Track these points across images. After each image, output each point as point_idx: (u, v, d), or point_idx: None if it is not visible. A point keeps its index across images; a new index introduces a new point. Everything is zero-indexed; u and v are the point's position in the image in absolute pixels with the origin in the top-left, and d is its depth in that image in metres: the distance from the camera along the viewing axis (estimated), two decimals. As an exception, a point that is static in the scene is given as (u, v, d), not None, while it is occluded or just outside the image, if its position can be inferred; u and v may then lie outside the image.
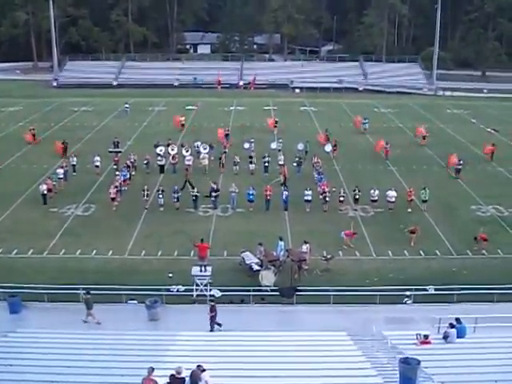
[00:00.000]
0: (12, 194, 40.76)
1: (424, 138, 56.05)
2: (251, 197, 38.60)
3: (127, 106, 70.23)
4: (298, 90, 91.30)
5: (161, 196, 38.62)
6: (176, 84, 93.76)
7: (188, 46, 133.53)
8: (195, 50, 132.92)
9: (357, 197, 38.95)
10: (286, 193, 38.86)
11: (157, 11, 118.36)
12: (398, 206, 38.61)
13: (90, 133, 59.89)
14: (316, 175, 43.15)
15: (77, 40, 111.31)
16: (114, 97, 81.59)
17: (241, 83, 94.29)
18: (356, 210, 38.83)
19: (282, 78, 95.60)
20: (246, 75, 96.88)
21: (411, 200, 38.88)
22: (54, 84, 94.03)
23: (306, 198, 38.56)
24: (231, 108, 74.89)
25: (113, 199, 38.72)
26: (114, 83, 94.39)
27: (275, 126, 60.09)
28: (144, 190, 38.99)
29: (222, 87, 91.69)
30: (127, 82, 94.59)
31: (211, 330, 24.41)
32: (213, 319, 24.51)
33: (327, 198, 38.48)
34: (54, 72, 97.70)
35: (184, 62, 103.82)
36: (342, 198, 39.10)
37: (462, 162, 46.13)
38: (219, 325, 24.63)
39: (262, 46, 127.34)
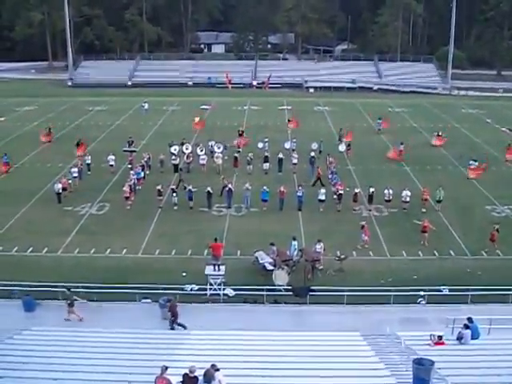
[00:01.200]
0: (27, 193, 41.02)
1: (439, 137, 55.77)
2: (265, 196, 38.63)
3: (143, 104, 70.36)
4: (312, 90, 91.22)
5: (174, 195, 38.74)
6: (190, 83, 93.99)
7: (202, 46, 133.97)
8: (209, 50, 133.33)
9: (371, 191, 38.85)
10: (300, 192, 38.76)
11: (171, 11, 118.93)
12: (412, 206, 38.42)
13: (104, 132, 60.19)
14: (330, 175, 43.05)
15: (91, 39, 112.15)
16: (128, 96, 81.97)
17: (254, 83, 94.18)
18: (370, 210, 38.70)
19: (296, 77, 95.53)
20: (260, 75, 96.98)
21: (426, 199, 38.71)
22: (69, 83, 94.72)
23: (319, 197, 38.47)
24: (245, 107, 74.92)
25: (127, 198, 38.87)
26: (129, 83, 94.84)
27: (289, 126, 60.08)
28: (158, 189, 39.14)
29: (232, 87, 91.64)
30: (141, 81, 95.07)
31: (171, 329, 24.48)
32: (174, 319, 24.64)
33: (341, 198, 38.56)
34: (68, 71, 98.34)
35: (198, 62, 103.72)
36: (357, 190, 39.21)
37: (476, 162, 45.82)
38: (183, 326, 24.64)
39: (276, 45, 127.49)
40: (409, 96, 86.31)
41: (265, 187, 38.87)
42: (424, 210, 38.11)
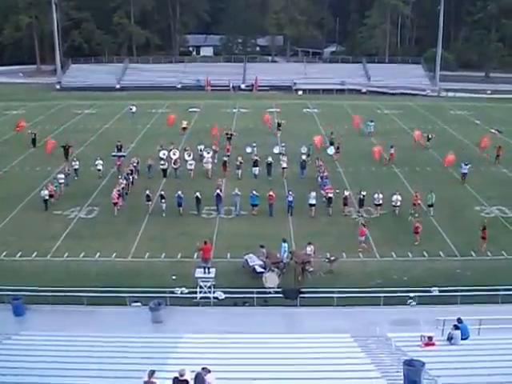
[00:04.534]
0: (16, 197, 40.84)
1: (429, 140, 55.72)
2: (254, 201, 38.42)
3: (131, 107, 69.99)
4: (300, 92, 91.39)
5: (163, 201, 38.47)
6: (179, 86, 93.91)
7: (191, 49, 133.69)
8: (198, 53, 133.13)
9: (362, 195, 38.71)
10: (290, 197, 38.52)
11: (159, 14, 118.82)
12: (401, 208, 38.45)
13: (93, 135, 59.97)
14: (319, 180, 42.92)
15: (80, 43, 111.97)
16: (116, 99, 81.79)
17: (231, 85, 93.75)
18: (359, 212, 38.62)
19: (284, 79, 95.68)
20: (248, 77, 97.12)
21: (417, 204, 38.52)
22: (57, 87, 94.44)
23: (310, 201, 38.25)
24: (234, 110, 74.83)
25: (115, 204, 38.59)
26: (117, 86, 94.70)
27: (279, 129, 60.07)
28: (147, 194, 38.90)
29: (213, 89, 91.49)
30: (130, 84, 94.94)
31: None
32: None
33: (331, 202, 38.49)
34: (57, 75, 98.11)
35: (186, 65, 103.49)
36: (347, 194, 39.10)
37: (468, 165, 45.46)
38: None
39: (265, 47, 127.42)
40: (397, 98, 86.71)
41: (254, 192, 38.73)
42: (413, 212, 38.05)
